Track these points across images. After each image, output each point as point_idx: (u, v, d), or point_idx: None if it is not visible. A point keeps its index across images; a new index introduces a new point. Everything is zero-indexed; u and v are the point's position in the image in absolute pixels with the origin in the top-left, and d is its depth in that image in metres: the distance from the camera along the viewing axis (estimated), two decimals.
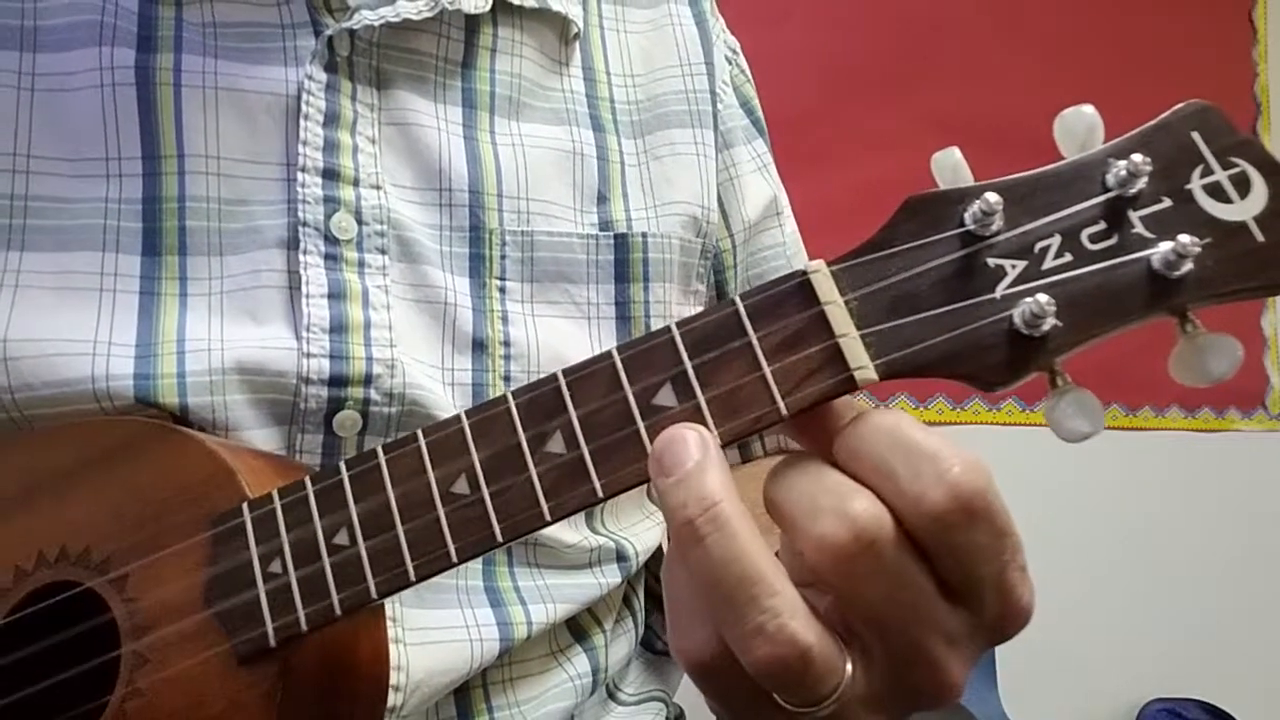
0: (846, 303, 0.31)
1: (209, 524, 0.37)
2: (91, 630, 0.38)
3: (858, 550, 0.28)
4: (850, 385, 0.31)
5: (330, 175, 0.49)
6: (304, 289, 0.47)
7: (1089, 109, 0.32)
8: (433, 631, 0.48)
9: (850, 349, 0.31)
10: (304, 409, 0.46)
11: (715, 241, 0.62)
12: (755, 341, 0.32)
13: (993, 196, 0.31)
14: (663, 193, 0.59)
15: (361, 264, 0.49)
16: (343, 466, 0.35)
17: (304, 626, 0.35)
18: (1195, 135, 0.32)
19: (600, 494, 0.32)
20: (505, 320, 0.52)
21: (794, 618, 0.28)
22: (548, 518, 0.32)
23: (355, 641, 0.39)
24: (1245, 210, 0.30)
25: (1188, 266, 0.30)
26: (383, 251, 0.50)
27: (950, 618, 0.30)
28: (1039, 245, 0.31)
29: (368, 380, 0.47)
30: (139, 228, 0.47)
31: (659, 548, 0.62)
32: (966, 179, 0.32)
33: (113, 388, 0.44)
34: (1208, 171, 0.31)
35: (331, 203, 0.48)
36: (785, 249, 0.66)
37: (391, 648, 0.42)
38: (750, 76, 0.69)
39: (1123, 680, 1.64)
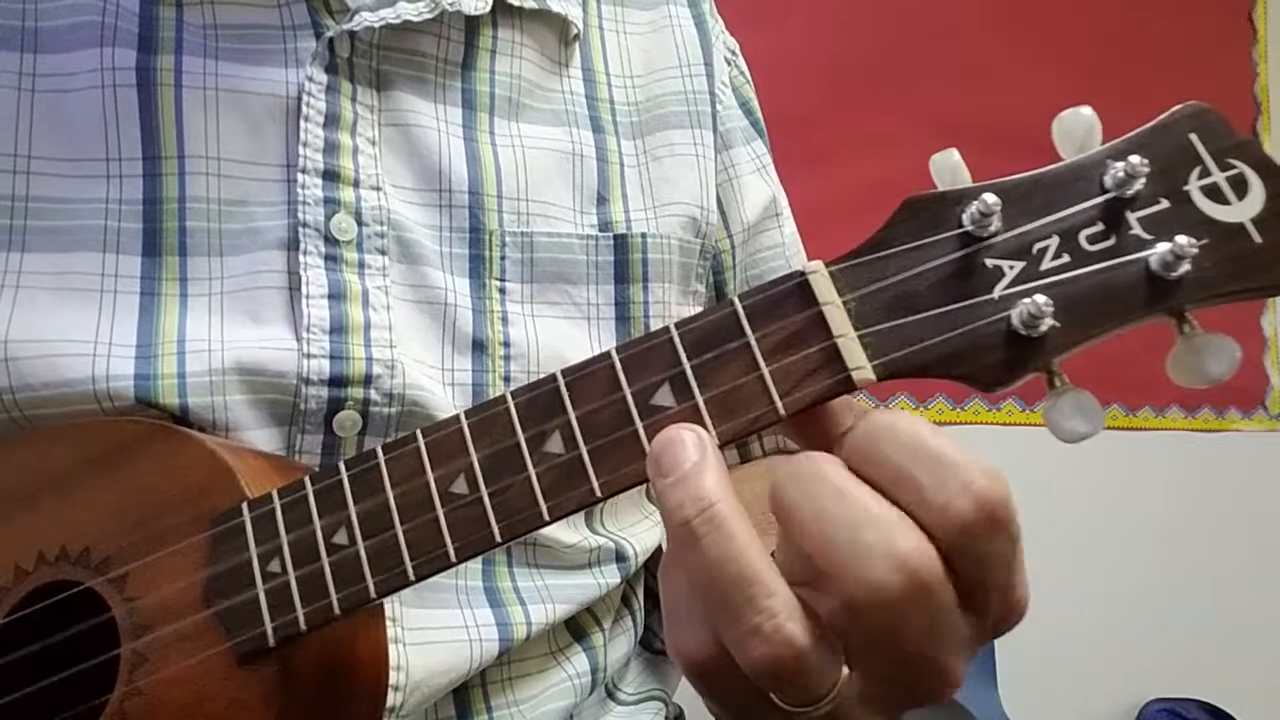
0: (845, 303, 0.32)
1: (208, 524, 0.37)
2: (91, 630, 0.38)
3: (910, 592, 0.28)
4: (848, 385, 0.31)
5: (330, 176, 0.49)
6: (304, 290, 0.47)
7: (1087, 110, 0.32)
8: (432, 631, 0.48)
9: (848, 349, 0.31)
10: (304, 409, 0.47)
11: (714, 242, 0.62)
12: (754, 342, 0.32)
13: (991, 197, 0.31)
14: (662, 193, 0.59)
15: (361, 265, 0.49)
16: (342, 466, 0.35)
17: (303, 626, 0.35)
18: (1193, 137, 0.32)
19: (599, 494, 0.32)
20: (505, 321, 0.52)
21: (790, 619, 0.28)
22: (546, 518, 0.33)
23: (354, 641, 0.39)
24: (1243, 212, 0.31)
25: (1185, 268, 0.30)
26: (383, 252, 0.50)
27: (964, 627, 0.30)
28: (1037, 246, 0.31)
29: (368, 380, 0.47)
30: (139, 228, 0.47)
31: (658, 548, 0.62)
32: (965, 180, 0.32)
33: (113, 388, 0.44)
34: (1205, 173, 0.31)
35: (331, 204, 0.48)
36: (784, 250, 0.66)
37: (391, 648, 0.42)
38: (749, 78, 0.69)
39: (1123, 680, 1.64)
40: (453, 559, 0.33)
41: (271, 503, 0.36)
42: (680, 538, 0.30)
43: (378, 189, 0.50)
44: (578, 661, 0.56)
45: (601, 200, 0.57)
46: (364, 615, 0.38)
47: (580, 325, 0.55)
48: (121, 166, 0.47)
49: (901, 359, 0.31)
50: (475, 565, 0.52)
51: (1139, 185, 0.31)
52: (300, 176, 0.48)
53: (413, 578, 0.34)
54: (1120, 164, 0.31)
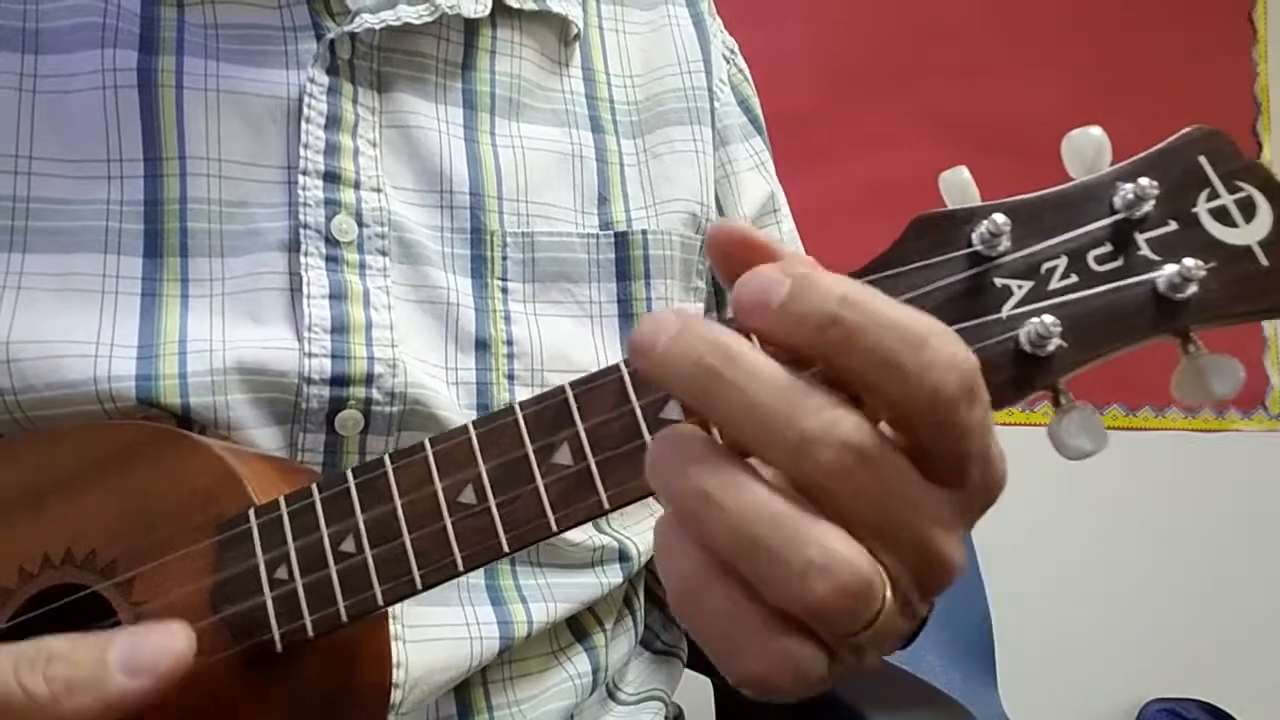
0: None
1: (215, 530, 0.37)
2: (93, 630, 0.38)
3: (855, 467, 0.27)
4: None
5: (331, 178, 0.49)
6: (305, 290, 0.47)
7: (1096, 130, 0.32)
8: (432, 629, 0.48)
9: None
10: (305, 409, 0.47)
11: None
12: None
13: (1000, 217, 0.31)
14: (662, 190, 0.59)
15: (362, 265, 0.49)
16: (350, 475, 0.36)
17: (311, 633, 0.35)
18: (1202, 159, 0.32)
19: (606, 506, 0.32)
20: (508, 320, 0.52)
21: (839, 541, 0.27)
22: (554, 528, 0.33)
23: (359, 645, 0.39)
24: (1250, 235, 0.31)
25: (1192, 289, 0.30)
26: (384, 253, 0.50)
27: (940, 501, 0.29)
28: (1046, 266, 0.31)
29: (369, 379, 0.47)
30: (140, 229, 0.47)
31: None
32: (974, 198, 0.32)
33: (115, 388, 0.44)
34: (1214, 195, 0.31)
35: (332, 205, 0.49)
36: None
37: (391, 645, 0.42)
38: (749, 77, 0.69)
39: (1123, 680, 1.64)
40: (460, 568, 0.34)
41: (279, 509, 0.37)
42: (686, 512, 0.28)
43: (378, 190, 0.50)
44: (579, 661, 0.56)
45: (602, 200, 0.57)
46: (368, 618, 0.38)
47: (583, 323, 0.55)
48: (123, 168, 0.47)
49: None
50: None
51: (1148, 207, 0.31)
52: (301, 178, 0.48)
53: (420, 586, 0.34)
54: (1130, 185, 0.31)
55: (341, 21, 0.50)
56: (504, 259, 0.53)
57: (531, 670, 0.54)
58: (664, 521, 0.30)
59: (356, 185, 0.49)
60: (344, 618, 0.35)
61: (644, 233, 0.57)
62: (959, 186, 0.32)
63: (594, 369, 0.55)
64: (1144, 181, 0.31)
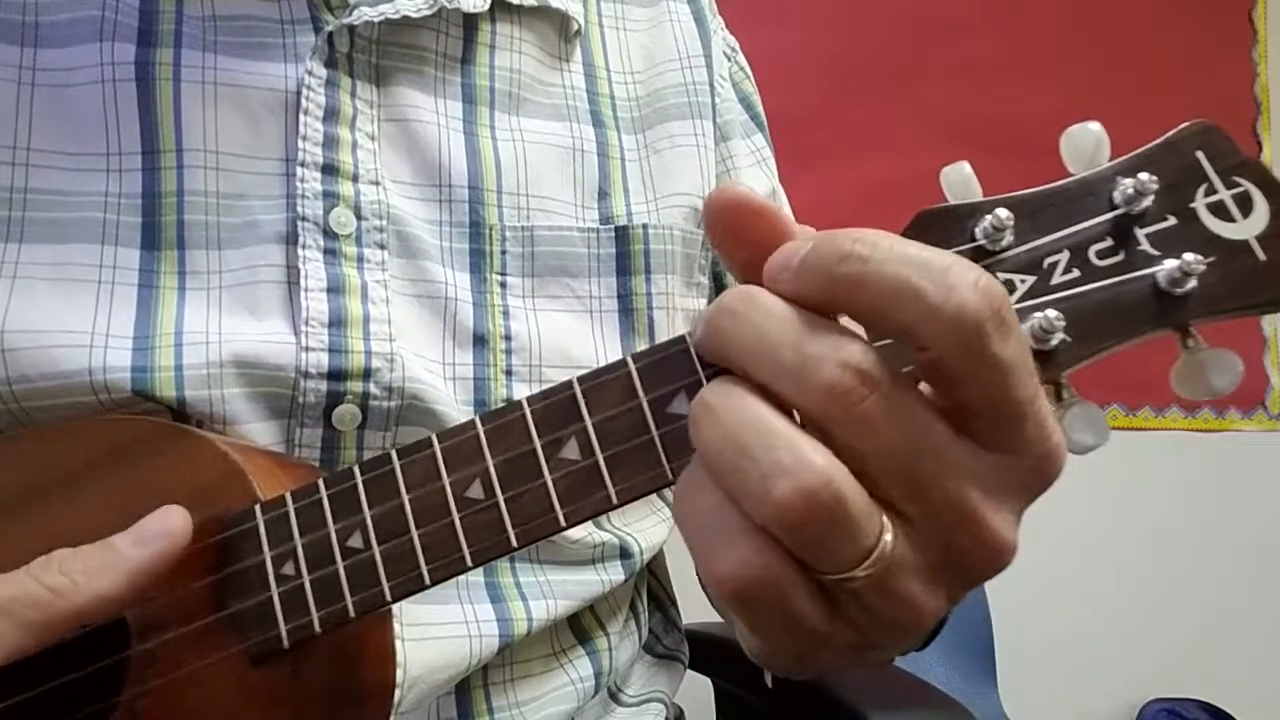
0: None
1: (221, 525, 0.37)
2: (101, 630, 0.38)
3: (858, 388, 0.27)
4: None
5: (329, 171, 0.49)
6: (303, 283, 0.47)
7: (1095, 126, 0.33)
8: (431, 627, 0.48)
9: None
10: (303, 403, 0.46)
11: None
12: None
13: (1004, 212, 0.31)
14: (663, 185, 0.59)
15: (360, 259, 0.49)
16: (357, 470, 0.36)
17: (318, 629, 0.35)
18: (1200, 155, 0.32)
19: (615, 500, 0.32)
20: (506, 315, 0.52)
21: (815, 451, 0.27)
22: (562, 523, 0.33)
23: (364, 642, 0.39)
24: (1247, 229, 0.31)
25: (1192, 284, 0.30)
26: (382, 247, 0.50)
27: (981, 463, 0.28)
28: (1048, 260, 0.32)
29: (366, 374, 0.47)
30: (138, 222, 0.47)
31: (662, 546, 0.62)
32: (976, 193, 0.32)
33: (110, 379, 0.44)
34: (1211, 190, 0.32)
35: (330, 198, 0.48)
36: None
37: (394, 643, 0.42)
38: (750, 75, 0.69)
39: (1123, 680, 1.64)
40: (469, 563, 0.34)
41: (285, 505, 0.36)
42: (692, 419, 0.29)
43: (377, 183, 0.50)
44: (581, 665, 0.56)
45: (603, 195, 0.57)
46: (373, 615, 0.38)
47: (583, 318, 0.55)
48: (121, 161, 0.47)
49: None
50: None
51: (1147, 202, 0.31)
52: (299, 170, 0.48)
53: (428, 582, 0.34)
54: (1129, 180, 0.31)
55: (340, 15, 0.50)
56: (503, 253, 0.53)
57: (533, 672, 0.54)
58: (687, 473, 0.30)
59: (355, 178, 0.49)
60: (352, 614, 0.35)
61: (645, 227, 0.57)
62: (961, 181, 0.33)
63: (593, 364, 0.55)
64: (1143, 176, 0.31)
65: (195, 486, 0.39)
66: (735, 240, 0.31)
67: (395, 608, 0.47)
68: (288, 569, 0.36)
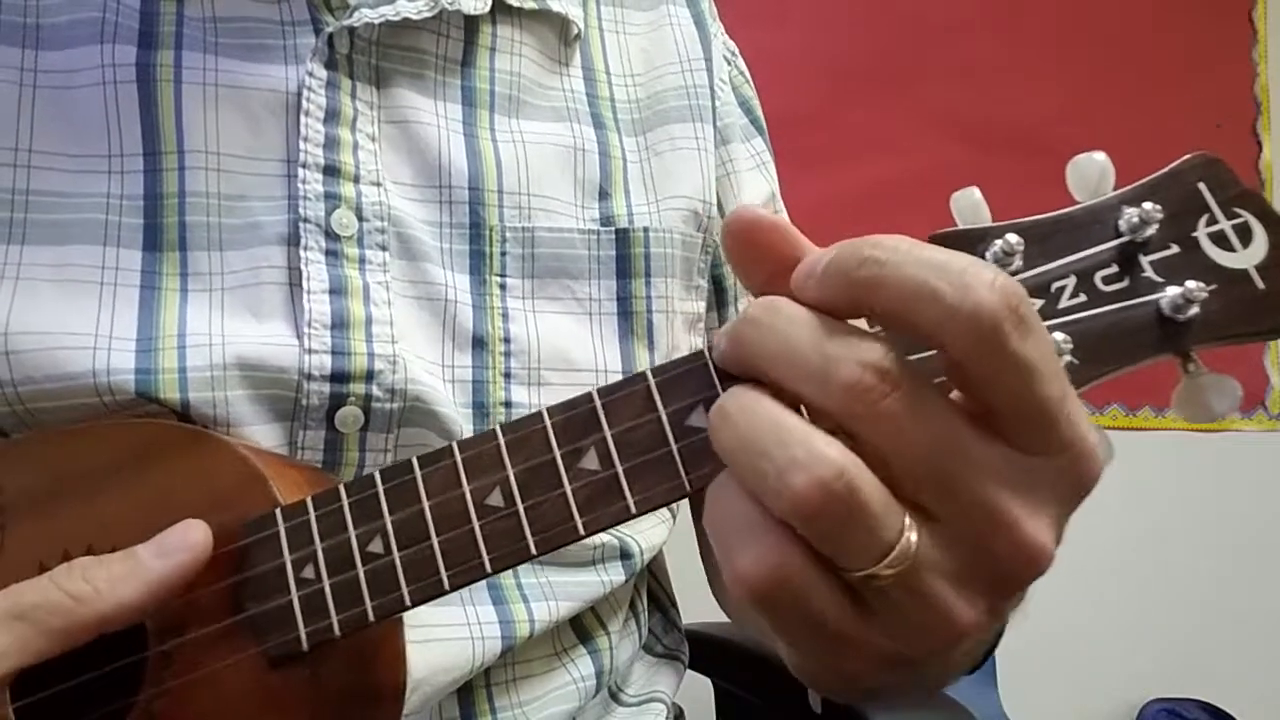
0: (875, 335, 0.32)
1: (241, 529, 0.38)
2: (119, 631, 0.38)
3: (879, 388, 0.27)
4: None
5: (331, 172, 0.49)
6: (305, 285, 0.47)
7: (1100, 155, 0.34)
8: (435, 629, 0.48)
9: None
10: (305, 405, 0.47)
11: (715, 236, 0.62)
12: None
13: (1013, 237, 0.32)
14: (664, 187, 0.59)
15: (362, 260, 0.49)
16: (378, 476, 0.36)
17: (338, 632, 0.35)
18: (1201, 186, 0.33)
19: (633, 510, 0.33)
20: (506, 317, 0.52)
21: (829, 446, 0.27)
22: (581, 532, 0.33)
23: (379, 645, 0.40)
24: (1247, 259, 0.32)
25: (1194, 310, 0.31)
26: (383, 248, 0.50)
27: (1013, 465, 0.28)
28: (1056, 285, 0.32)
29: (369, 376, 0.47)
30: (140, 223, 0.47)
31: (661, 547, 0.63)
32: (985, 218, 0.33)
33: (114, 381, 0.44)
34: (1213, 221, 0.33)
35: (332, 199, 0.48)
36: None
37: (405, 645, 0.42)
38: (749, 79, 0.69)
39: (1123, 680, 1.64)
40: (488, 569, 0.34)
41: (305, 510, 0.37)
42: (711, 427, 0.30)
43: (378, 184, 0.50)
44: (582, 665, 0.56)
45: (603, 195, 0.57)
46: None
47: (582, 321, 0.55)
48: (123, 163, 0.47)
49: None
50: None
51: (1151, 230, 0.32)
52: (301, 171, 0.48)
53: (448, 587, 0.34)
54: (1134, 209, 0.32)
55: (340, 16, 0.50)
56: (503, 255, 0.53)
57: (535, 672, 0.54)
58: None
59: (356, 179, 0.49)
60: (371, 618, 0.35)
61: (645, 230, 0.57)
62: (971, 206, 0.33)
63: (592, 368, 0.55)
64: (1147, 206, 0.32)
65: (215, 490, 0.39)
66: (753, 260, 0.32)
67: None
68: (308, 573, 0.36)
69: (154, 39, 0.48)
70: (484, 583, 0.51)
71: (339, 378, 0.47)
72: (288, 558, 0.36)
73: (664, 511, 0.62)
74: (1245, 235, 0.32)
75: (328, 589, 0.36)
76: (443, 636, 0.49)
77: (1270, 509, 1.72)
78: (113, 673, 0.38)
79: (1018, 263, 0.32)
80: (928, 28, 1.63)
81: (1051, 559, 0.29)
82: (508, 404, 0.52)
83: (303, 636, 0.36)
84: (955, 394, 0.29)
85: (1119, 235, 0.33)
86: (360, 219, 0.49)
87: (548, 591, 0.53)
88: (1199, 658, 1.68)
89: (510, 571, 0.53)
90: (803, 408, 0.29)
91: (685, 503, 0.65)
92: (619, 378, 0.34)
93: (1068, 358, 0.31)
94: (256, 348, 0.46)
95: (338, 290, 0.48)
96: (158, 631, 0.38)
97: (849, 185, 1.55)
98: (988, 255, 0.32)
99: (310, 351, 0.46)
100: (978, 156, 1.59)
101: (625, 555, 0.57)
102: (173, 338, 0.46)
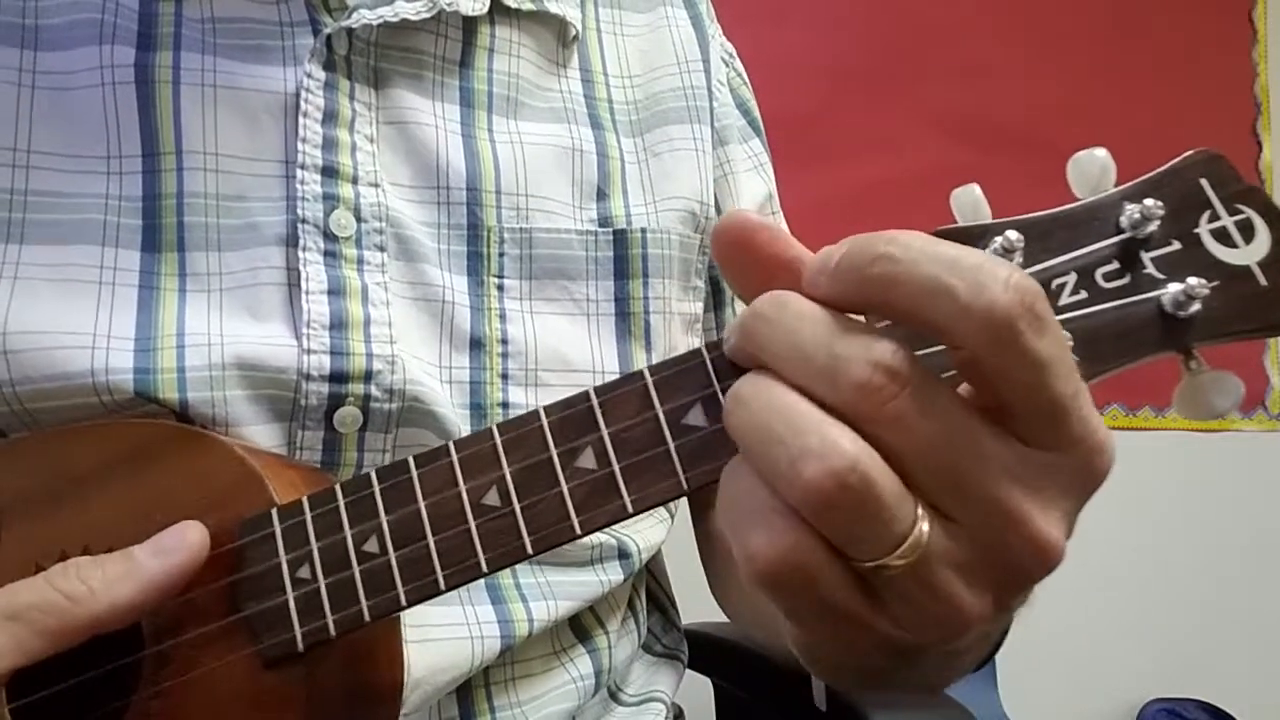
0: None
1: (237, 529, 0.38)
2: (115, 631, 0.38)
3: (889, 387, 0.27)
4: None
5: (329, 172, 0.49)
6: (303, 285, 0.47)
7: (1101, 152, 0.33)
8: (433, 629, 0.48)
9: None
10: (304, 405, 0.47)
11: None
12: None
13: (1014, 234, 0.32)
14: (662, 188, 0.59)
15: (360, 261, 0.49)
16: (374, 476, 0.36)
17: (333, 632, 0.35)
18: (1204, 182, 0.33)
19: (630, 509, 0.33)
20: (503, 318, 0.52)
21: (843, 436, 0.27)
22: (578, 531, 0.33)
23: (375, 645, 0.39)
24: (1249, 255, 0.32)
25: (1195, 307, 0.31)
26: (381, 249, 0.50)
27: (1025, 461, 0.28)
28: (1056, 282, 0.32)
29: (368, 376, 0.47)
30: (138, 224, 0.47)
31: (660, 546, 0.63)
32: (986, 215, 0.33)
33: (112, 381, 0.44)
34: (1215, 217, 0.32)
35: (330, 200, 0.49)
36: None
37: (403, 645, 0.42)
38: (747, 81, 0.69)
39: (1123, 680, 1.64)
40: (484, 569, 0.34)
41: (301, 510, 0.37)
42: (726, 412, 0.30)
43: (376, 185, 0.50)
44: (581, 664, 0.56)
45: (601, 195, 0.57)
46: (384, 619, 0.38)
47: (579, 322, 0.55)
48: (121, 163, 0.47)
49: None
50: None
51: (1153, 227, 0.32)
52: (299, 172, 0.48)
53: (443, 587, 0.34)
54: (1135, 206, 0.32)
55: (339, 17, 0.50)
56: (500, 255, 0.53)
57: (534, 671, 0.54)
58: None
59: (354, 180, 0.49)
60: (367, 618, 0.35)
61: (643, 231, 0.57)
62: (971, 203, 0.33)
63: (590, 369, 0.55)
64: (1149, 202, 0.32)
65: (212, 490, 0.39)
66: (745, 264, 0.32)
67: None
68: (304, 573, 0.36)
69: (152, 40, 0.48)
70: (482, 582, 0.51)
71: (337, 378, 0.47)
72: (283, 557, 0.36)
73: (662, 511, 0.62)
74: (1248, 231, 0.32)
75: (323, 589, 0.36)
76: (441, 636, 0.48)
77: (1270, 509, 1.72)
78: (109, 673, 0.38)
79: (1018, 260, 0.32)
80: (927, 27, 1.63)
81: (1063, 554, 0.29)
82: (505, 405, 0.52)
83: (298, 636, 0.36)
84: (965, 388, 0.30)
85: (1120, 232, 0.32)
86: (358, 220, 0.49)
87: (546, 591, 0.53)
88: (1199, 658, 1.68)
89: (509, 571, 0.52)
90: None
91: (684, 503, 0.65)
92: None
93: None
94: (255, 348, 0.46)
95: (336, 291, 0.48)
96: (154, 632, 0.38)
97: (849, 185, 1.55)
98: (988, 251, 0.32)
99: (309, 352, 0.46)
100: (977, 156, 1.59)
101: (623, 555, 0.57)
102: (171, 338, 0.46)
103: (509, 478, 0.34)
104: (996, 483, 0.28)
